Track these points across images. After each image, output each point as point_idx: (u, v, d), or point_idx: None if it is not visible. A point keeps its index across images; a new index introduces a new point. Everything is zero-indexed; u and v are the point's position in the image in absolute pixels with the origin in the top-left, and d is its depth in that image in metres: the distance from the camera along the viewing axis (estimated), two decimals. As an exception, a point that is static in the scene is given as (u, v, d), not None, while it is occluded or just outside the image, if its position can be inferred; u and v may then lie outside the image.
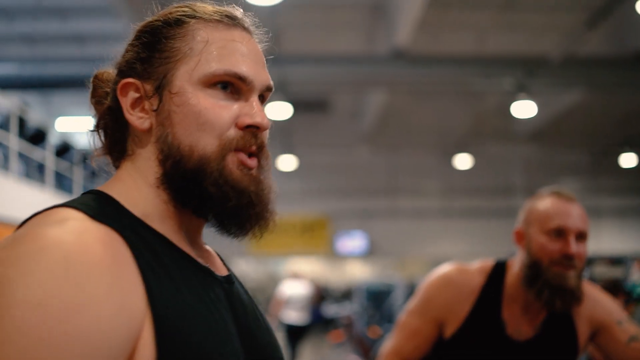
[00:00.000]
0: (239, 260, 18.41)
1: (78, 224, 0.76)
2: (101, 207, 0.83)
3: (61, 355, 0.66)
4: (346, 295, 18.73)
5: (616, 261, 13.47)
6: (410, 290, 12.65)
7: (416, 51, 10.22)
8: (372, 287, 13.24)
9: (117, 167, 0.96)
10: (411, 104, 13.83)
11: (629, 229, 18.52)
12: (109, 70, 1.00)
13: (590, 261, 10.37)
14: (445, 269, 1.99)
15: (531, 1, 9.38)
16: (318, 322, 18.35)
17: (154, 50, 0.91)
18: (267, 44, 1.00)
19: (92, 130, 0.98)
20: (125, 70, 0.92)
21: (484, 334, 1.85)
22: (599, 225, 17.20)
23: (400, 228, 18.97)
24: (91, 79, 1.01)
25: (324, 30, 11.00)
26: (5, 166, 7.57)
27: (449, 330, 1.89)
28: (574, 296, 1.77)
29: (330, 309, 17.97)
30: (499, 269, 1.93)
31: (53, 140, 9.09)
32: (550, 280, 1.76)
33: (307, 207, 18.13)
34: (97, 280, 0.71)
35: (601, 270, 9.89)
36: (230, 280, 0.98)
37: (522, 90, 9.74)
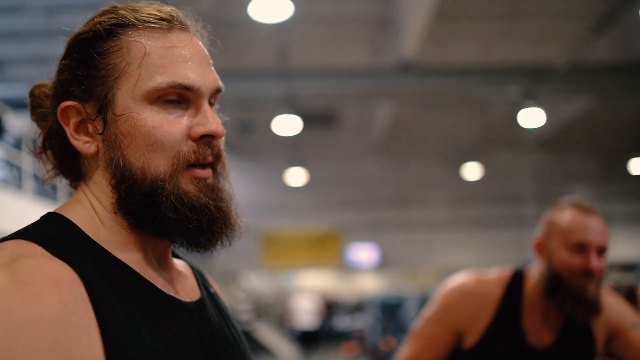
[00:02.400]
0: (250, 273, 18.42)
1: (30, 265, 0.71)
2: (61, 237, 0.79)
3: None
4: (358, 307, 18.71)
5: (629, 267, 13.45)
6: (423, 300, 12.66)
7: (422, 63, 10.26)
8: (385, 299, 13.23)
9: (74, 187, 0.92)
10: (419, 115, 13.86)
11: (638, 235, 18.41)
12: (45, 84, 0.94)
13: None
14: (463, 278, 2.01)
15: (536, 10, 9.42)
16: (329, 334, 18.38)
17: (89, 69, 0.84)
18: (209, 38, 0.94)
19: (38, 152, 0.93)
20: (61, 92, 0.86)
21: (505, 344, 1.87)
22: (611, 231, 17.09)
23: (411, 239, 18.94)
24: (28, 95, 0.95)
25: (331, 45, 11.07)
26: (20, 185, 7.64)
27: (469, 341, 1.90)
28: (595, 307, 1.79)
29: (343, 322, 17.96)
30: (517, 278, 1.95)
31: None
32: (572, 292, 1.78)
33: (317, 220, 18.14)
34: (40, 333, 0.67)
35: (614, 277, 9.87)
36: (200, 305, 0.93)
37: (529, 99, 9.76)
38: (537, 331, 1.88)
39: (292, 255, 18.29)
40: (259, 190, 17.01)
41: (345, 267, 20.06)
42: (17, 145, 7.93)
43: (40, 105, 0.94)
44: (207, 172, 0.87)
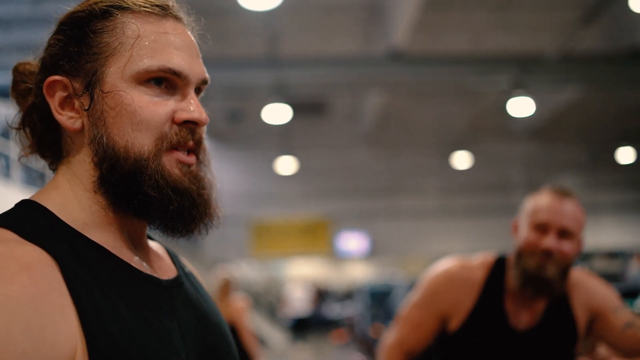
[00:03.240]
0: (241, 262, 18.45)
1: (4, 249, 0.72)
2: (33, 223, 0.79)
3: None
4: (348, 295, 18.79)
5: (614, 255, 13.57)
6: (412, 289, 12.71)
7: (413, 52, 10.27)
8: (374, 287, 13.31)
9: (53, 169, 0.92)
10: (409, 104, 13.89)
11: (626, 223, 18.55)
12: (30, 62, 0.95)
13: (589, 255, 10.45)
14: (447, 264, 2.05)
15: (526, 0, 9.45)
16: (319, 322, 18.50)
17: (81, 45, 0.85)
18: (200, 32, 0.95)
19: (17, 128, 0.93)
20: (50, 66, 0.86)
21: (489, 326, 1.91)
22: (598, 220, 17.25)
23: (401, 227, 19.02)
24: (12, 71, 0.95)
25: (321, 33, 11.06)
26: (7, 175, 7.61)
27: (454, 324, 1.95)
28: (550, 286, 1.83)
29: (333, 310, 18.04)
30: (500, 263, 1.99)
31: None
32: (526, 269, 1.83)
33: (307, 209, 18.18)
34: (13, 314, 0.67)
35: (600, 264, 9.97)
36: (177, 282, 0.94)
37: (519, 88, 9.79)
38: (519, 314, 1.92)
39: (283, 244, 18.33)
40: (249, 179, 17.02)
41: (335, 256, 20.13)
42: (5, 134, 7.88)
43: (23, 81, 0.94)
44: (191, 159, 0.88)
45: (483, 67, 10.31)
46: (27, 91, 0.92)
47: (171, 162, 0.86)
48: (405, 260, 20.12)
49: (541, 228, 1.85)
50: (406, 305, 2.11)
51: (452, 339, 1.96)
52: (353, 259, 20.69)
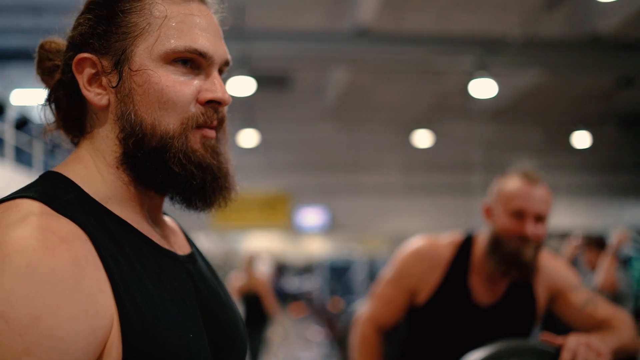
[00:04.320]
0: (199, 233, 18.40)
1: (40, 222, 0.74)
2: (63, 195, 0.81)
3: None
4: (306, 269, 18.91)
5: (567, 235, 13.91)
6: (371, 264, 12.89)
7: (379, 29, 10.28)
8: (333, 262, 13.45)
9: (75, 144, 0.94)
10: (373, 82, 13.92)
11: (580, 206, 19.01)
12: (56, 40, 0.97)
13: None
14: (417, 243, 2.15)
15: (493, -18, 9.51)
16: (278, 295, 18.59)
17: (110, 25, 0.87)
18: (223, 14, 0.98)
19: (43, 104, 0.95)
20: (79, 44, 0.89)
21: (453, 301, 2.02)
22: (554, 201, 17.62)
23: (361, 203, 19.16)
24: (37, 49, 0.97)
25: (287, 7, 10.97)
26: (1, 154, 7.45)
27: (421, 298, 2.06)
28: (529, 268, 1.94)
29: (292, 283, 18.16)
30: (467, 242, 2.10)
31: (11, 113, 8.91)
32: (507, 254, 1.93)
33: (268, 182, 18.16)
34: (59, 287, 0.70)
35: (552, 246, 10.22)
36: (192, 258, 0.98)
37: (482, 70, 9.90)
38: (483, 291, 2.03)
39: (242, 217, 18.30)
40: (211, 150, 16.88)
41: (294, 230, 20.20)
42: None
43: (49, 59, 0.96)
44: (212, 132, 0.92)
45: (447, 48, 10.39)
46: (53, 68, 0.95)
47: (195, 139, 0.89)
48: (364, 237, 20.30)
49: (518, 214, 1.93)
50: (379, 282, 2.22)
51: (419, 313, 2.08)
52: (312, 233, 20.79)
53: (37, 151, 9.53)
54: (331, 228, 19.92)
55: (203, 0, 0.93)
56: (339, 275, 12.79)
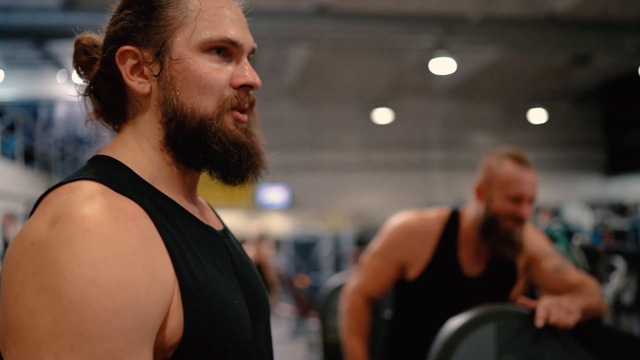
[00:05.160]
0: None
1: (107, 200, 0.81)
2: (118, 177, 0.88)
3: (115, 325, 0.73)
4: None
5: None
6: (335, 240, 13.01)
7: (338, 7, 10.30)
8: (298, 239, 13.55)
9: (116, 130, 1.02)
10: (333, 60, 13.95)
11: (538, 181, 19.45)
12: (92, 36, 1.04)
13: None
14: (406, 217, 2.26)
15: (451, -39, 9.59)
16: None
17: (149, 19, 0.95)
18: (244, 7, 1.08)
19: (83, 95, 1.03)
20: (121, 37, 0.96)
21: (444, 274, 2.15)
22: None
23: (321, 181, 19.26)
24: (74, 44, 1.04)
25: (247, -15, 10.90)
26: None
27: (413, 272, 2.17)
28: (519, 246, 2.10)
29: (255, 261, 18.23)
30: (454, 217, 2.22)
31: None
32: (503, 234, 2.08)
33: (229, 161, 18.12)
34: (135, 257, 0.78)
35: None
36: (226, 233, 1.08)
37: (441, 48, 10.02)
38: (471, 262, 2.17)
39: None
40: (170, 129, 16.74)
41: (256, 208, 20.24)
42: None
43: (85, 53, 1.03)
44: (245, 117, 1.01)
45: (407, 26, 10.46)
46: (90, 62, 1.03)
47: (230, 121, 0.98)
48: (325, 213, 20.45)
49: (515, 199, 2.06)
50: (368, 253, 2.31)
51: (412, 286, 2.18)
52: (274, 211, 20.86)
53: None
54: (291, 206, 20.01)
55: None
56: (303, 252, 12.90)
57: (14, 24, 9.73)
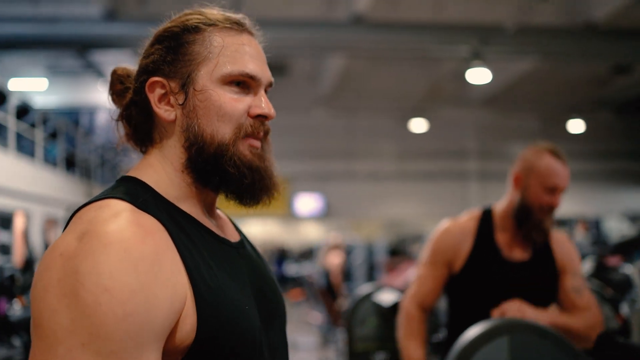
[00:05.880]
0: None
1: (130, 217, 0.91)
2: (141, 195, 0.99)
3: (123, 328, 0.83)
4: (305, 255, 19.04)
5: (561, 222, 14.09)
6: (369, 250, 13.05)
7: (375, 17, 10.36)
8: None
9: (143, 152, 1.12)
10: (369, 69, 14.00)
11: (573, 192, 19.14)
12: (126, 67, 1.15)
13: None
14: (443, 225, 2.41)
15: (487, -29, 9.58)
16: (279, 281, 18.75)
17: (177, 54, 1.05)
18: (264, 44, 1.16)
19: (116, 120, 1.14)
20: (151, 70, 1.06)
21: (486, 259, 2.26)
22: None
23: (357, 190, 19.29)
24: (110, 74, 1.15)
25: (284, -4, 11.04)
26: (5, 144, 7.51)
27: (457, 266, 2.30)
28: (547, 232, 2.25)
29: (290, 269, 18.31)
30: (487, 211, 2.36)
31: (13, 101, 8.96)
32: (537, 223, 2.21)
33: (265, 169, 18.23)
34: (148, 268, 0.87)
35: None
36: (242, 244, 1.16)
37: (477, 58, 9.99)
38: (510, 247, 2.28)
39: (259, 205, 18.32)
40: (208, 138, 16.92)
41: (292, 216, 20.34)
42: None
43: (120, 82, 1.14)
44: (259, 143, 1.10)
45: (443, 35, 10.46)
46: (123, 90, 1.14)
47: (245, 147, 1.07)
48: (359, 222, 20.45)
49: (552, 190, 2.21)
50: (419, 264, 2.46)
51: (458, 278, 2.30)
52: (309, 219, 20.94)
53: (38, 138, 9.59)
54: (327, 214, 20.06)
55: (251, 33, 1.12)
56: (336, 260, 12.93)
57: (58, 34, 10.00)
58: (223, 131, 1.04)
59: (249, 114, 1.07)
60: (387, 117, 17.76)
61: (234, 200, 1.10)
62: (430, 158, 18.91)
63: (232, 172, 1.04)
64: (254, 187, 1.07)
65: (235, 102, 1.05)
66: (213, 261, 1.00)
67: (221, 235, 1.10)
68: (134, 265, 0.86)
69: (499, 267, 2.24)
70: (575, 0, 10.58)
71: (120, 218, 0.90)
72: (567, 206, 17.38)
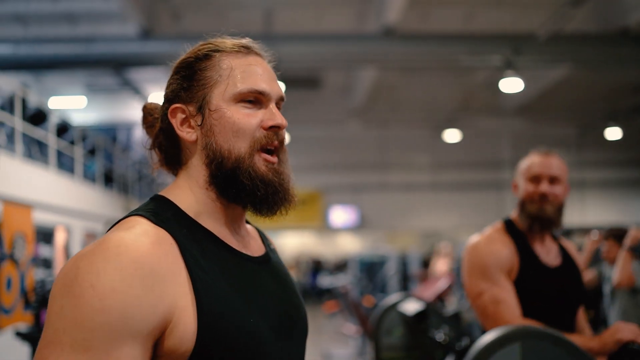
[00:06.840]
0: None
1: (141, 230, 1.02)
2: (163, 213, 1.09)
3: (98, 320, 0.92)
4: (339, 267, 19.06)
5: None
6: (402, 261, 13.01)
7: (406, 29, 10.41)
8: (365, 259, 13.59)
9: (175, 174, 1.22)
10: (401, 80, 14.04)
11: (611, 201, 18.86)
12: (154, 102, 1.28)
13: (570, 231, 10.76)
14: (474, 239, 2.37)
15: (518, -20, 9.56)
16: (314, 292, 18.83)
17: (192, 80, 1.16)
18: (274, 63, 1.25)
19: (149, 149, 1.25)
20: (171, 98, 1.18)
21: (532, 268, 2.27)
22: (584, 197, 17.55)
23: (391, 201, 19.28)
24: (142, 109, 1.28)
25: (315, 9, 11.15)
26: (9, 147, 7.72)
27: (512, 277, 2.26)
28: (552, 222, 2.29)
29: (325, 280, 18.34)
30: (509, 222, 2.39)
31: (53, 119, 9.20)
32: (530, 213, 2.29)
33: (299, 182, 17.89)
34: (136, 271, 0.95)
35: (579, 240, 10.22)
36: (265, 258, 1.24)
37: (509, 67, 9.96)
38: (545, 254, 2.33)
39: (275, 217, 18.47)
40: (242, 151, 17.08)
41: (326, 228, 20.40)
42: (6, 106, 7.99)
43: (150, 115, 1.27)
44: (274, 159, 1.18)
45: (474, 45, 10.46)
46: (154, 122, 1.26)
47: (260, 161, 1.15)
48: (394, 234, 20.41)
49: (535, 179, 2.29)
50: (475, 297, 2.28)
51: (516, 289, 2.25)
52: (344, 231, 20.96)
53: (78, 155, 9.83)
54: (361, 226, 20.07)
55: (258, 53, 1.22)
56: (371, 271, 12.94)
57: (96, 53, 10.26)
58: (239, 145, 1.13)
59: (262, 127, 1.15)
60: (420, 128, 17.74)
61: (251, 211, 1.19)
62: (464, 168, 18.81)
63: (246, 183, 1.13)
64: (267, 199, 1.15)
65: (248, 117, 1.14)
66: (223, 275, 1.07)
67: (241, 250, 1.17)
68: (122, 268, 0.94)
69: (544, 274, 2.27)
70: (608, 7, 10.49)
71: (131, 230, 1.01)
72: (603, 215, 17.17)
